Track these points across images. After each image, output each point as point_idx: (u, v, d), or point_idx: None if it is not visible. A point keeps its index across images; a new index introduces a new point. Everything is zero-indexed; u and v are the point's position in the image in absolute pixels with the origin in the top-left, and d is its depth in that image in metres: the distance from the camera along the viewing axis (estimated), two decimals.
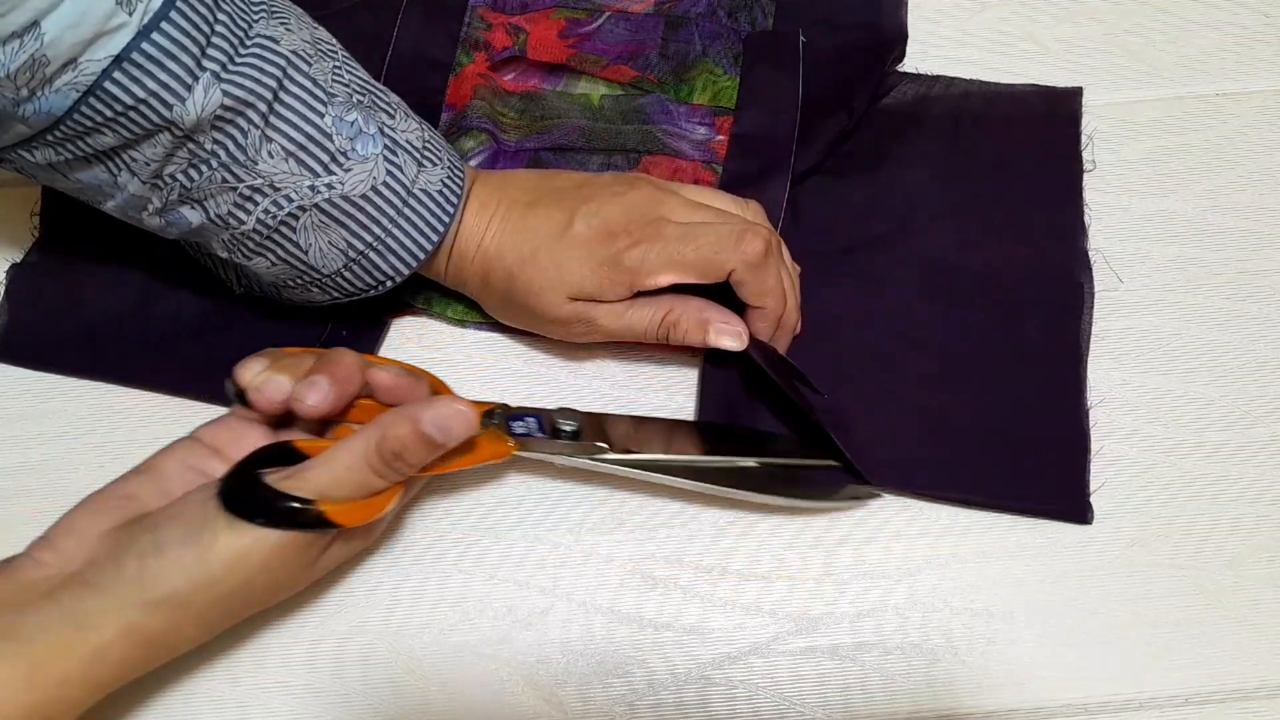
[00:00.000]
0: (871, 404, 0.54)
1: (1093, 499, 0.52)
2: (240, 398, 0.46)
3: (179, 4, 0.42)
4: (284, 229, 0.48)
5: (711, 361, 0.54)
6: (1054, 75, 0.63)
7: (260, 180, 0.46)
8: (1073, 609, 0.50)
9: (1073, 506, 0.52)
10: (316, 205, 0.47)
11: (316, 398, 0.44)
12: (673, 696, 0.48)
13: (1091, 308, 0.56)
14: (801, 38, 0.61)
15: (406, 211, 0.49)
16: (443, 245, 0.51)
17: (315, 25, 0.49)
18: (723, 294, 0.51)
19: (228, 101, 0.44)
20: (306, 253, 0.49)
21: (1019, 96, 0.62)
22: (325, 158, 0.47)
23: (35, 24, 0.39)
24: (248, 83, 0.44)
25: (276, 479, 0.42)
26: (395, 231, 0.49)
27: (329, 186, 0.47)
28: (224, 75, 0.44)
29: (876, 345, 0.55)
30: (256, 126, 0.45)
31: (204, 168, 0.45)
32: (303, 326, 0.55)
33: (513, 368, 0.55)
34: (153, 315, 0.56)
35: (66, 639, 0.40)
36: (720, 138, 0.60)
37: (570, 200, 0.50)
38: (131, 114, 0.42)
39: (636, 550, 0.51)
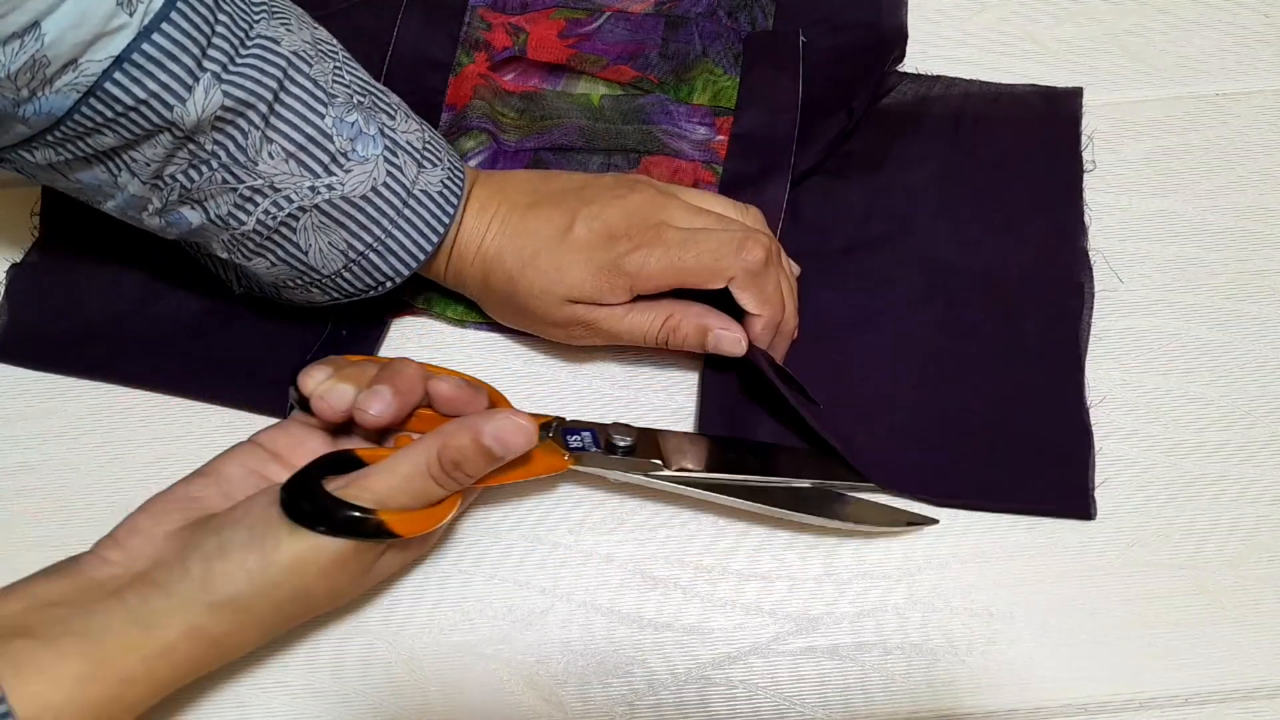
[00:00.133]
0: (871, 404, 0.54)
1: (1096, 494, 0.52)
2: (302, 404, 0.47)
3: (180, 5, 0.42)
4: (284, 230, 0.48)
5: (712, 366, 0.54)
6: (1054, 75, 0.63)
7: (260, 181, 0.46)
8: (1073, 609, 0.50)
9: (1076, 502, 0.52)
10: (317, 206, 0.47)
11: (379, 407, 0.45)
12: (673, 696, 0.48)
13: (1091, 308, 0.56)
14: (801, 38, 0.61)
15: (406, 213, 0.49)
16: (443, 246, 0.51)
17: (316, 25, 0.49)
18: (721, 298, 0.51)
19: (228, 102, 0.44)
20: (306, 253, 0.49)
21: (1019, 97, 0.62)
22: (325, 159, 0.47)
23: (35, 25, 0.39)
24: (248, 84, 0.44)
25: (338, 486, 0.42)
26: (395, 233, 0.49)
27: (329, 187, 0.47)
28: (225, 76, 0.44)
29: (876, 345, 0.55)
30: (257, 127, 0.45)
31: (204, 168, 0.45)
32: (303, 326, 0.55)
33: (513, 368, 0.55)
34: (153, 315, 0.56)
35: (132, 638, 0.40)
36: (720, 138, 0.60)
37: (571, 203, 0.50)
38: (132, 115, 0.42)
39: (636, 550, 0.51)
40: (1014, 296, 0.56)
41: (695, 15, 0.63)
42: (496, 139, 0.59)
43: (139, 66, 0.41)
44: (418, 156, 0.49)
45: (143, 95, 0.42)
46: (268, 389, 0.53)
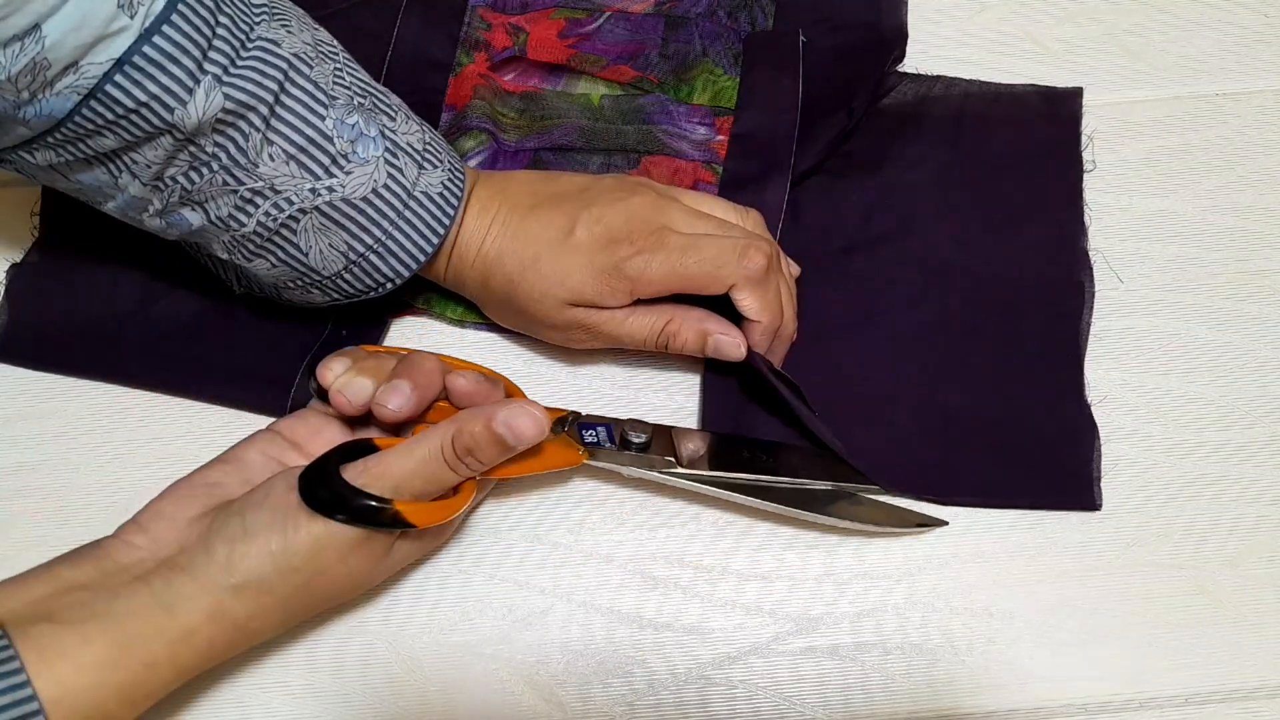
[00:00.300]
0: (871, 404, 0.54)
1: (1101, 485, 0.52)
2: (320, 394, 0.48)
3: (180, 7, 0.42)
4: (285, 231, 0.48)
5: (712, 368, 0.54)
6: (1054, 75, 0.63)
7: (261, 183, 0.46)
8: (1073, 609, 0.50)
9: (1081, 493, 0.52)
10: (317, 208, 0.47)
11: (398, 402, 0.46)
12: (673, 696, 0.48)
13: (1091, 308, 0.56)
14: (801, 38, 0.61)
15: (407, 214, 0.49)
16: (443, 248, 0.51)
17: (316, 26, 0.49)
18: (720, 302, 0.51)
19: (229, 105, 0.44)
20: (307, 255, 0.49)
21: (1019, 97, 0.62)
22: (326, 160, 0.47)
23: (36, 27, 0.39)
24: (250, 86, 0.44)
25: (355, 472, 0.43)
26: (396, 234, 0.49)
27: (330, 189, 0.47)
28: (226, 78, 0.43)
29: (876, 345, 0.56)
30: (258, 129, 0.45)
31: (205, 170, 0.45)
32: (303, 327, 0.55)
33: (513, 368, 0.55)
34: (152, 315, 0.56)
35: (156, 622, 0.41)
36: (720, 138, 0.60)
37: (572, 205, 0.50)
38: (133, 117, 0.42)
39: (636, 550, 0.51)
40: (1014, 296, 0.56)
41: (695, 15, 0.63)
42: (496, 139, 0.59)
43: (140, 69, 0.41)
44: (418, 158, 0.49)
45: (144, 97, 0.42)
46: (268, 389, 0.53)
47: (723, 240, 0.50)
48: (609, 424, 0.51)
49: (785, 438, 0.53)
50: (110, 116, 0.42)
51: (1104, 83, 0.63)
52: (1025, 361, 0.55)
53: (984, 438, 0.53)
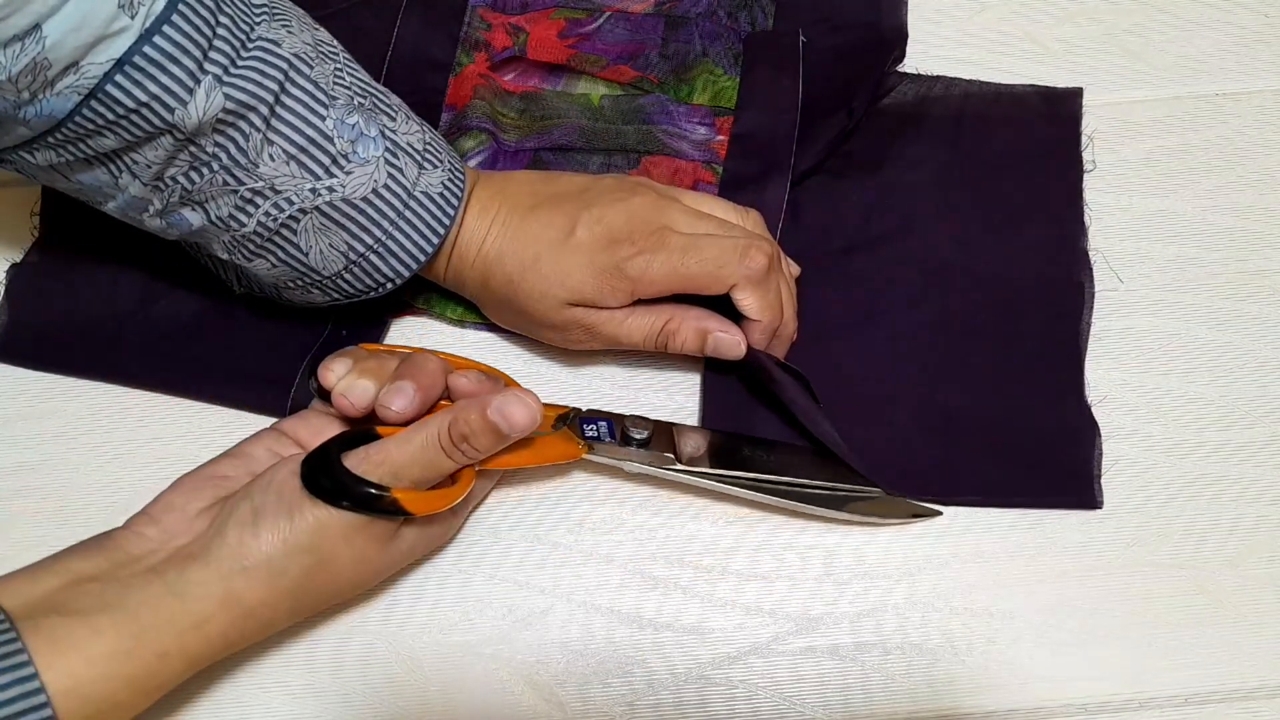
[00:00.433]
0: (871, 404, 0.54)
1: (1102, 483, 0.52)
2: (322, 395, 0.48)
3: (181, 7, 0.42)
4: (285, 231, 0.48)
5: (712, 367, 0.54)
6: (1054, 75, 0.63)
7: (261, 183, 0.46)
8: (1073, 609, 0.50)
9: (1081, 492, 0.52)
10: (317, 208, 0.47)
11: (402, 404, 0.46)
12: (673, 696, 0.48)
13: (1091, 308, 0.56)
14: (801, 38, 0.61)
15: (407, 214, 0.49)
16: (443, 248, 0.51)
17: (316, 27, 0.49)
18: (719, 300, 0.51)
19: (230, 105, 0.44)
20: (307, 255, 0.49)
21: (1019, 97, 0.62)
22: (326, 160, 0.47)
23: (37, 27, 0.39)
24: (250, 86, 0.44)
25: (355, 460, 0.44)
26: (396, 234, 0.49)
27: (330, 189, 0.47)
28: (226, 79, 0.44)
29: (876, 345, 0.56)
30: (258, 130, 0.45)
31: (205, 170, 0.45)
32: (303, 326, 0.55)
33: (512, 368, 0.55)
34: (153, 315, 0.56)
35: (169, 612, 0.41)
36: (720, 138, 0.60)
37: (572, 205, 0.50)
38: (133, 117, 0.42)
39: (636, 550, 0.51)
40: (1014, 296, 0.56)
41: (695, 15, 0.63)
42: (496, 139, 0.59)
43: (140, 69, 0.41)
44: (418, 158, 0.49)
45: (144, 98, 0.42)
46: (268, 389, 0.53)
47: (724, 240, 0.50)
48: (610, 419, 0.51)
49: (785, 437, 0.53)
50: (111, 116, 0.42)
51: (1104, 83, 0.63)
52: (1025, 361, 0.55)
53: (984, 437, 0.53)
